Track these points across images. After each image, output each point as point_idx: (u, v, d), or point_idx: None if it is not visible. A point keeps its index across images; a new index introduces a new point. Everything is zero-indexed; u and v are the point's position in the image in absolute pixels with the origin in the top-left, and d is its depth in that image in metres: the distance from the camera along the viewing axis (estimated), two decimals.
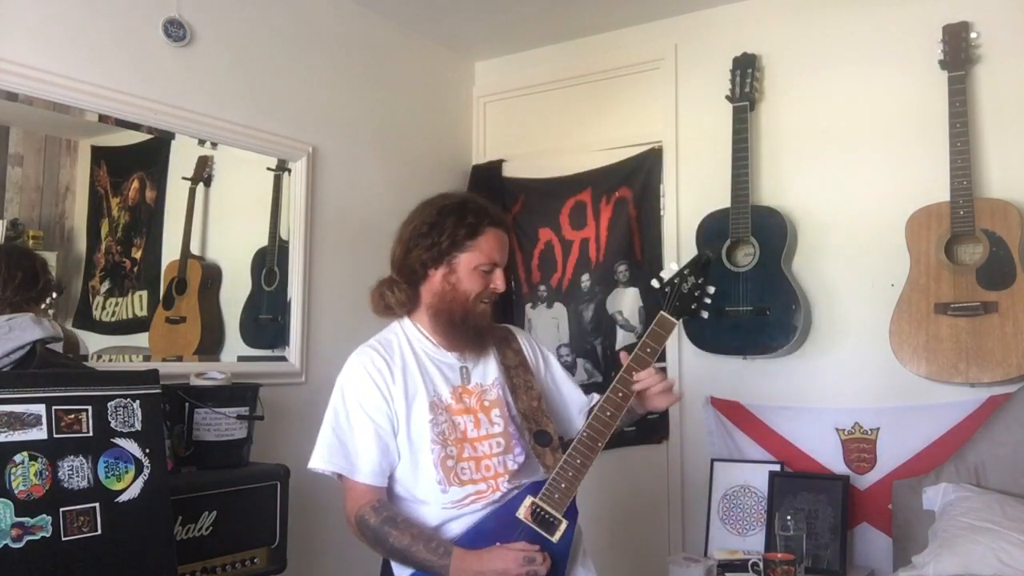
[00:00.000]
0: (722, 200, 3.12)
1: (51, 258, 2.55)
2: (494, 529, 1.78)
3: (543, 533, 1.76)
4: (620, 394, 1.84)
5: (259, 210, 3.09)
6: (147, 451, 1.88)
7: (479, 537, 1.77)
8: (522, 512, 1.77)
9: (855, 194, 3.02)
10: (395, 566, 1.85)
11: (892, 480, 2.80)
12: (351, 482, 1.82)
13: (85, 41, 2.52)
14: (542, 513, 1.77)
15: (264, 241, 3.08)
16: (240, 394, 2.51)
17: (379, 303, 1.95)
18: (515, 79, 3.87)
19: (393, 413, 1.83)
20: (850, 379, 2.99)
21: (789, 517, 2.58)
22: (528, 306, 3.72)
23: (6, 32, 2.34)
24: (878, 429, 2.91)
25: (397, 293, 1.92)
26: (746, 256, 3.10)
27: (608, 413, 1.82)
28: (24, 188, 2.51)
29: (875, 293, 2.93)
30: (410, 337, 1.92)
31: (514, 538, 1.75)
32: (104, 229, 2.68)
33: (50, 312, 2.18)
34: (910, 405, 2.84)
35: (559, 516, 1.77)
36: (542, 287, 3.69)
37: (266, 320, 3.07)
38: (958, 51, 2.78)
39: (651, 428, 3.31)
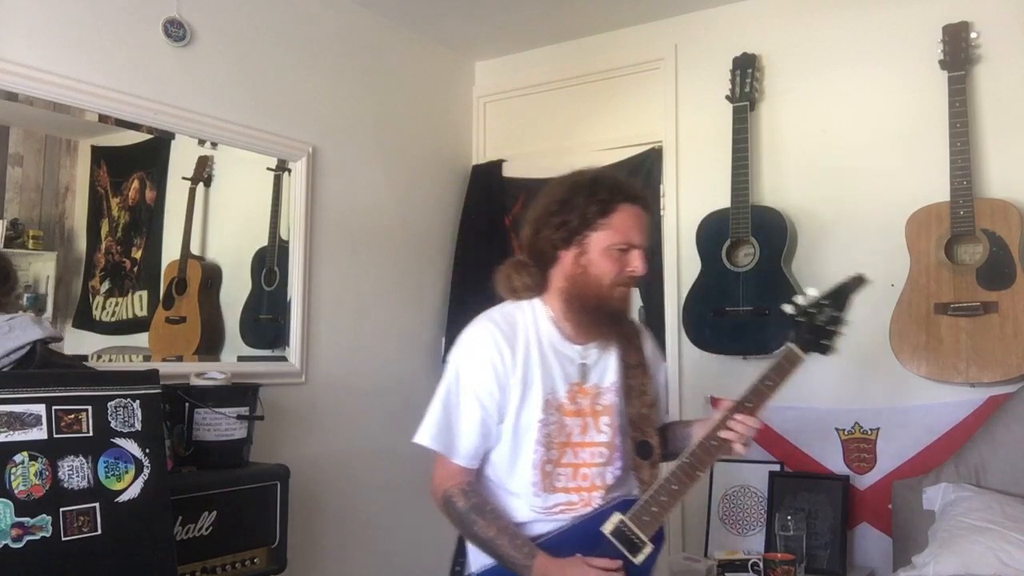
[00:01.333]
0: (722, 200, 3.12)
1: (51, 258, 2.55)
2: (578, 539, 1.72)
3: (626, 553, 1.69)
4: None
5: (259, 210, 3.09)
6: (147, 451, 1.87)
7: (562, 545, 1.71)
8: (608, 528, 1.70)
9: (855, 194, 3.02)
10: (470, 549, 1.81)
11: (892, 480, 2.80)
12: (445, 459, 1.76)
13: (85, 41, 2.52)
14: (628, 533, 1.69)
15: (264, 241, 3.08)
16: (240, 394, 2.51)
17: (506, 286, 1.82)
18: (515, 79, 3.87)
19: (504, 401, 1.75)
20: (850, 379, 2.98)
21: (789, 517, 2.59)
22: None
23: (6, 32, 2.34)
24: (878, 429, 2.91)
25: (524, 276, 1.79)
26: (746, 256, 3.10)
27: (714, 443, 1.72)
28: (24, 188, 2.51)
29: (875, 293, 2.92)
30: (538, 321, 1.80)
31: (598, 552, 1.69)
32: (104, 229, 2.68)
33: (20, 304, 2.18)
34: (910, 405, 2.84)
35: (645, 539, 1.69)
36: None
37: (266, 320, 3.07)
38: (958, 51, 2.77)
39: None
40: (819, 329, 1.77)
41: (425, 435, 1.76)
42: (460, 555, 1.87)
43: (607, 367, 1.83)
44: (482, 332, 1.78)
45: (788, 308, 1.80)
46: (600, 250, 1.73)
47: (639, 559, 1.69)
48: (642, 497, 1.72)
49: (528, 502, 1.76)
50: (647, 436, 1.82)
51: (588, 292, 1.74)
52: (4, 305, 1.98)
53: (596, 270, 1.73)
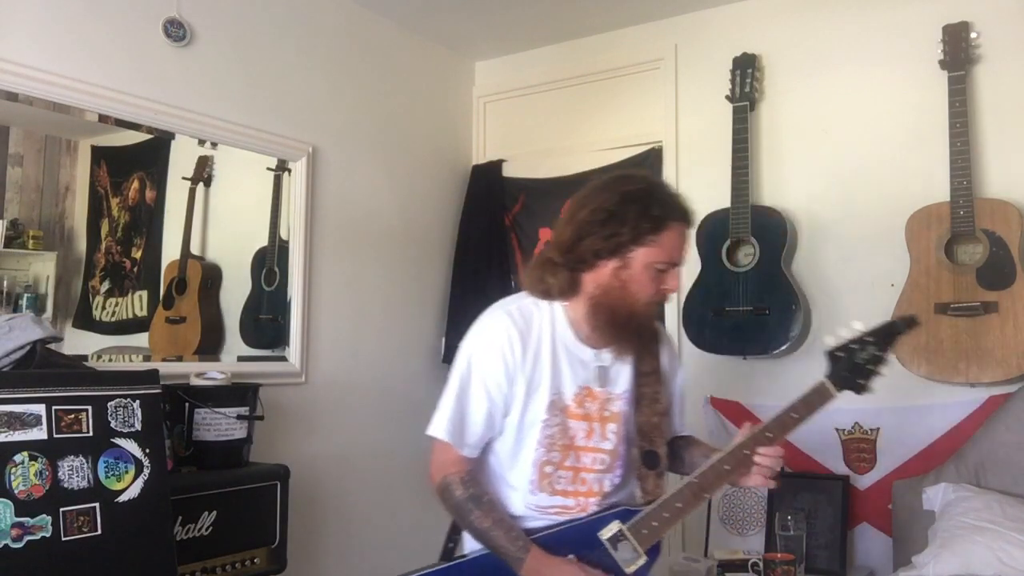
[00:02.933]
0: (722, 200, 3.12)
1: (51, 258, 2.56)
2: (574, 540, 1.71)
3: (619, 562, 1.68)
4: (744, 453, 1.69)
5: (259, 210, 3.09)
6: (147, 451, 1.88)
7: (558, 543, 1.71)
8: (606, 534, 1.68)
9: (855, 194, 3.02)
10: (465, 535, 1.81)
11: (892, 480, 2.80)
12: (447, 446, 1.74)
13: (85, 41, 2.52)
14: (624, 542, 1.68)
15: (264, 241, 3.08)
16: (240, 394, 2.51)
17: (538, 286, 1.77)
18: (515, 79, 3.87)
19: (511, 395, 1.73)
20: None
21: (789, 517, 2.58)
22: None
23: (6, 32, 2.34)
24: (878, 429, 2.91)
25: (559, 278, 1.73)
26: (746, 256, 3.10)
27: (726, 467, 1.68)
28: (24, 188, 2.51)
29: (875, 293, 2.93)
30: (555, 321, 1.76)
31: (591, 556, 1.68)
32: (104, 229, 2.68)
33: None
34: (910, 405, 2.84)
35: (641, 551, 1.68)
36: None
37: (266, 320, 3.07)
38: (958, 51, 2.77)
39: None
40: (858, 367, 1.70)
41: (439, 429, 1.74)
42: (455, 532, 1.86)
43: (621, 372, 1.80)
44: (497, 323, 1.75)
45: (830, 340, 1.73)
46: (643, 266, 1.69)
47: (631, 570, 1.68)
48: (645, 510, 1.71)
49: (524, 498, 1.77)
50: (655, 446, 1.79)
51: (622, 305, 1.70)
52: None
53: (635, 287, 1.70)
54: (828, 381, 1.70)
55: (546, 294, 1.77)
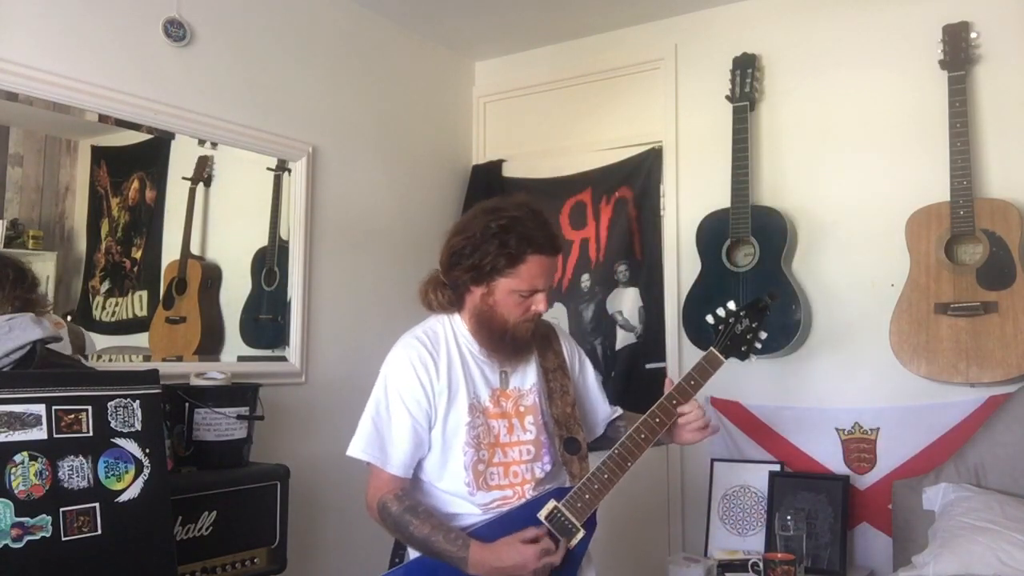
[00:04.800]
0: (722, 200, 3.12)
1: (51, 258, 2.55)
2: (512, 526, 1.80)
3: (560, 537, 1.80)
4: (657, 419, 1.88)
5: (259, 210, 3.09)
6: (147, 451, 1.87)
7: (495, 533, 1.79)
8: (543, 513, 1.81)
9: (855, 194, 3.02)
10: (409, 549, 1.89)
11: (892, 480, 2.80)
12: (378, 470, 1.85)
13: (85, 41, 2.52)
14: (562, 518, 1.81)
15: (264, 241, 3.08)
16: (240, 394, 2.51)
17: (424, 300, 1.95)
18: (515, 79, 3.87)
19: (432, 409, 1.85)
20: (850, 379, 2.99)
21: (789, 517, 2.59)
22: None
23: (6, 32, 2.34)
24: (878, 429, 2.91)
25: (441, 296, 1.91)
26: (746, 256, 3.10)
27: (642, 436, 1.86)
28: (24, 188, 2.51)
29: (875, 293, 2.93)
30: (457, 333, 1.92)
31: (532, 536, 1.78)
32: (104, 229, 2.68)
33: (49, 310, 2.18)
34: (910, 405, 2.84)
35: (578, 524, 1.81)
36: None
37: (266, 320, 3.07)
38: (958, 51, 2.78)
39: None
40: (738, 337, 1.97)
41: (356, 448, 1.85)
42: (399, 548, 1.96)
43: (527, 371, 1.95)
44: (406, 347, 1.89)
45: (709, 319, 2.00)
46: (506, 293, 1.83)
47: (571, 543, 1.81)
48: (575, 486, 1.84)
49: (466, 500, 1.85)
50: (573, 433, 1.93)
51: (494, 326, 1.86)
52: (32, 304, 1.99)
53: (502, 310, 1.85)
54: (715, 350, 1.95)
55: (431, 308, 1.94)
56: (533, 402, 1.93)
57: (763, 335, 1.98)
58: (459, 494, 1.85)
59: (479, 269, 1.82)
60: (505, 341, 1.87)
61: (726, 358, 1.94)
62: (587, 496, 1.82)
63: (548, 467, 1.91)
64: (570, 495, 1.82)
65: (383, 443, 1.84)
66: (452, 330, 1.92)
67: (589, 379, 2.09)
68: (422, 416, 1.84)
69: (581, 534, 1.82)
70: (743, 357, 1.98)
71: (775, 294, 2.08)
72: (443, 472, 1.86)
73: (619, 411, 2.13)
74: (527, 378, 1.94)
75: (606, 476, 1.82)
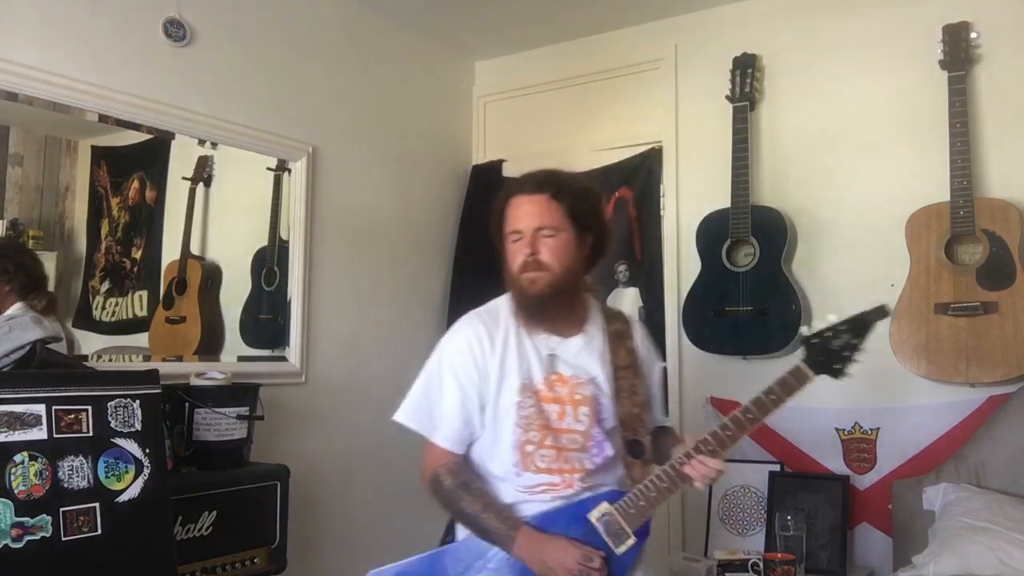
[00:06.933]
0: (722, 200, 3.12)
1: (51, 258, 2.55)
2: (564, 521, 1.77)
3: (608, 542, 1.74)
4: (728, 432, 1.75)
5: (259, 210, 3.09)
6: (147, 451, 1.88)
7: (548, 523, 1.76)
8: (595, 515, 1.76)
9: (855, 194, 3.02)
10: (459, 528, 1.87)
11: (892, 480, 2.80)
12: (431, 443, 1.84)
13: (85, 41, 2.52)
14: (613, 523, 1.75)
15: (264, 241, 3.08)
16: (240, 394, 2.51)
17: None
18: (515, 79, 3.87)
19: (484, 385, 1.83)
20: (850, 379, 2.96)
21: (789, 517, 2.59)
22: None
23: (6, 32, 2.34)
24: (878, 429, 2.91)
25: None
26: (746, 256, 3.10)
27: (709, 448, 1.74)
28: (24, 188, 2.51)
29: (875, 293, 2.92)
30: (510, 309, 1.90)
31: (581, 537, 1.74)
32: (104, 229, 2.68)
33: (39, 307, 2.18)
34: (910, 405, 2.84)
35: (630, 531, 1.74)
36: None
37: (266, 320, 3.07)
38: (958, 51, 2.77)
39: None
40: (833, 353, 1.78)
41: (404, 414, 1.87)
42: (449, 532, 1.92)
43: (591, 359, 1.88)
44: (464, 323, 1.90)
45: (804, 330, 1.82)
46: (508, 244, 1.88)
47: (621, 550, 1.74)
48: (631, 491, 1.77)
49: (512, 483, 1.81)
50: (638, 435, 1.86)
51: (512, 285, 1.87)
52: (39, 306, 1.99)
53: (510, 263, 1.87)
54: (804, 365, 1.78)
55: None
56: (591, 394, 1.85)
57: (862, 351, 1.78)
58: (506, 476, 1.81)
59: (495, 230, 1.91)
60: (524, 301, 1.84)
61: (816, 375, 1.77)
62: (642, 503, 1.74)
63: (598, 460, 1.84)
64: (624, 499, 1.76)
65: (432, 413, 1.84)
66: (508, 307, 1.90)
67: (654, 385, 2.00)
68: (473, 392, 1.82)
69: (632, 541, 1.74)
70: (836, 375, 1.78)
71: (887, 310, 1.82)
72: (494, 453, 1.83)
73: (666, 421, 2.04)
74: (590, 367, 1.87)
75: (664, 484, 1.74)
